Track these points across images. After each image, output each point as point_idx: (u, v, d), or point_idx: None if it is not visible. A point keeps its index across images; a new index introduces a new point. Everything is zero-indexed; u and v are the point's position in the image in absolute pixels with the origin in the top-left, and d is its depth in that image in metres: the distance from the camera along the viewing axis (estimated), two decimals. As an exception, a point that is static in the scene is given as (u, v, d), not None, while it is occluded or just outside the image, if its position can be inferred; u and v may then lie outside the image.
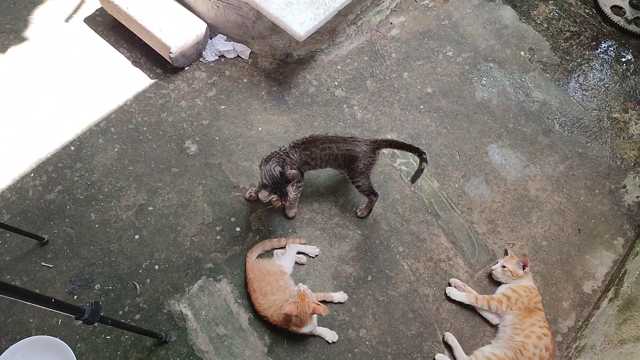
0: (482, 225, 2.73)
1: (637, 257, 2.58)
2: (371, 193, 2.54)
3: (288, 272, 2.39)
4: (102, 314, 1.71)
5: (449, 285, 2.53)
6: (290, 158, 2.32)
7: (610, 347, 2.11)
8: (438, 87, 3.17)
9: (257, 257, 2.46)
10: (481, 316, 2.46)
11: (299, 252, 2.51)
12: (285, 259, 2.42)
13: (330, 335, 2.34)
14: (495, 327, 2.42)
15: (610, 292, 2.51)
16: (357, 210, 2.66)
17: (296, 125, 2.93)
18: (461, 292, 2.49)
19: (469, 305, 2.46)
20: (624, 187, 2.93)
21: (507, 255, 2.59)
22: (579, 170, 2.96)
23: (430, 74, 3.21)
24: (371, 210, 2.65)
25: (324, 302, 2.39)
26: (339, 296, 2.43)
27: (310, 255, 2.54)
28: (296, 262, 2.50)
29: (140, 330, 2.13)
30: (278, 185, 2.18)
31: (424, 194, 2.78)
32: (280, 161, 2.27)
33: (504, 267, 2.50)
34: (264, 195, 2.16)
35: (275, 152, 2.32)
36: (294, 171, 2.18)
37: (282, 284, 2.31)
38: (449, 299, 2.49)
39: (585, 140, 3.07)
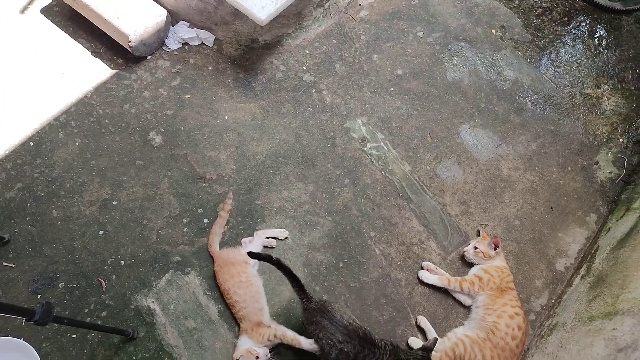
0: (455, 207, 2.70)
1: (609, 233, 2.57)
2: None
3: (251, 262, 2.34)
4: (55, 313, 1.66)
5: (422, 268, 2.51)
6: None
7: (580, 325, 2.11)
8: (408, 68, 3.11)
9: (222, 248, 2.42)
10: (454, 298, 2.44)
11: (268, 237, 2.47)
12: (251, 248, 2.37)
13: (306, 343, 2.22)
14: (468, 308, 2.41)
15: (582, 269, 2.50)
16: None
17: (263, 113, 2.86)
18: (434, 275, 2.46)
19: (442, 287, 2.45)
20: (597, 163, 2.92)
21: (479, 236, 2.57)
22: (551, 148, 2.93)
23: (400, 55, 3.16)
24: None
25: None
26: (309, 344, 2.19)
27: (280, 238, 2.49)
28: (265, 247, 2.45)
29: (102, 329, 2.08)
30: None
31: (395, 177, 2.74)
32: None
33: (475, 248, 2.47)
34: None
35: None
36: None
37: (244, 279, 2.25)
38: (421, 282, 2.47)
39: (557, 117, 3.04)
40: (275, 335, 2.17)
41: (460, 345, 2.19)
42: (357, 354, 1.94)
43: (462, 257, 2.55)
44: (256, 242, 2.41)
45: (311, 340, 2.17)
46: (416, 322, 2.38)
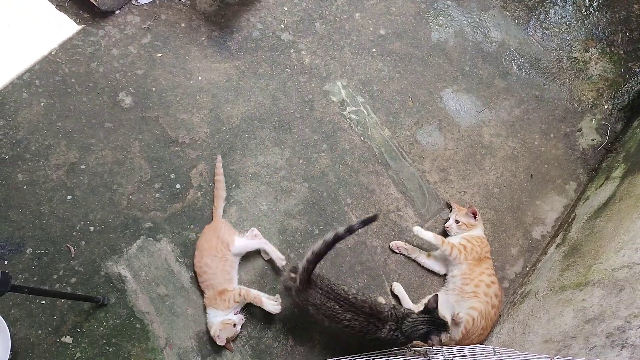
0: (434, 174, 2.66)
1: (587, 201, 2.55)
2: None
3: (233, 250, 2.23)
4: (20, 281, 1.62)
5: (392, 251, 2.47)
6: None
7: (552, 294, 2.11)
8: (392, 28, 2.98)
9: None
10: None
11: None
12: (246, 240, 2.29)
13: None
14: (441, 276, 2.41)
15: (558, 237, 2.50)
16: None
17: (239, 73, 2.74)
18: (428, 232, 2.35)
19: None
20: (580, 130, 2.86)
21: (451, 209, 2.53)
22: (534, 114, 2.87)
23: (383, 14, 3.01)
24: None
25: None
26: (271, 306, 2.18)
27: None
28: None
29: (69, 296, 2.05)
30: None
31: (374, 143, 2.68)
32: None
33: (457, 221, 2.43)
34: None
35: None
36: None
37: (219, 255, 2.20)
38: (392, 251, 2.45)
39: (542, 82, 2.96)
40: (239, 294, 2.15)
41: (470, 320, 2.18)
42: (363, 328, 1.94)
43: (438, 226, 2.53)
44: (249, 241, 2.32)
45: (274, 302, 2.16)
46: (391, 289, 2.38)
